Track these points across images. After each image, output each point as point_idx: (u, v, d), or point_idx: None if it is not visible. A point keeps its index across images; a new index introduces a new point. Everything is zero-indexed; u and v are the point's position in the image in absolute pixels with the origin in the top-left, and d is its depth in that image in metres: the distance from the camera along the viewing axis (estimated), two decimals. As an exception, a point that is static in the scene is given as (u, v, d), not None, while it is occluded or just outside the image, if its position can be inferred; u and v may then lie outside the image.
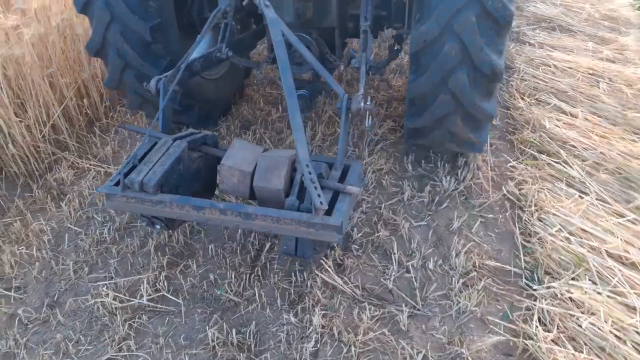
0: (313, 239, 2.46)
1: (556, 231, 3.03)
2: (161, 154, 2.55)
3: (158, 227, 2.73)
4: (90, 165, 3.83)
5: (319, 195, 2.25)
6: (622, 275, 2.72)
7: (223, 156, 2.60)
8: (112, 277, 2.89)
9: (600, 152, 3.68)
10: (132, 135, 4.19)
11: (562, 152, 3.71)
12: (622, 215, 3.15)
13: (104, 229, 3.22)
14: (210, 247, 3.04)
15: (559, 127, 4.00)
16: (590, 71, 4.77)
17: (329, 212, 2.31)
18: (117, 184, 2.49)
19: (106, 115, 4.44)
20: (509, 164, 3.73)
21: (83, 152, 4.03)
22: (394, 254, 2.98)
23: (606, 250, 2.88)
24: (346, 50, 3.95)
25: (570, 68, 4.81)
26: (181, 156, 2.57)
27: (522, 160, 3.77)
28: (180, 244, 3.11)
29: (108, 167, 3.82)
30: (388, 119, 4.31)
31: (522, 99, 4.47)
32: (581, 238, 2.98)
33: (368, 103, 2.73)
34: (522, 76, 4.81)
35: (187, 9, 3.93)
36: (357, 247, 3.05)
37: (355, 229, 3.16)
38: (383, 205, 3.36)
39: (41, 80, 3.81)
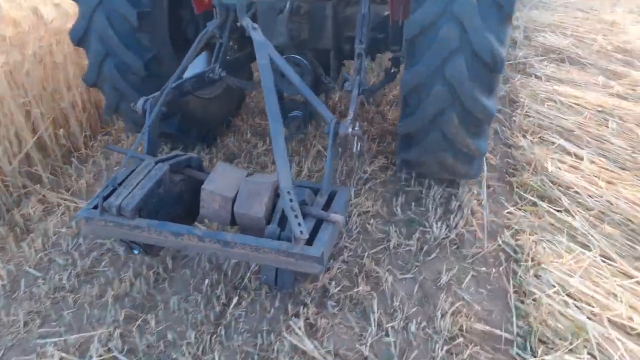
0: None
1: (554, 292, 2.74)
2: (142, 176, 2.50)
3: (136, 252, 2.67)
4: (61, 200, 3.63)
5: (299, 224, 2.18)
6: (625, 349, 2.42)
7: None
8: (62, 334, 2.64)
9: (607, 200, 3.38)
10: (110, 167, 4.00)
11: (564, 199, 3.43)
12: (627, 276, 2.85)
13: (63, 275, 2.99)
14: (173, 300, 2.79)
15: (562, 170, 3.72)
16: (599, 108, 4.49)
17: (310, 241, 2.22)
18: (96, 207, 2.42)
19: (86, 145, 4.26)
20: (506, 210, 3.45)
21: (57, 185, 3.83)
22: (374, 313, 2.71)
23: (608, 318, 2.58)
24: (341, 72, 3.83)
25: (577, 104, 4.54)
26: (162, 179, 2.52)
27: (521, 206, 3.49)
28: (142, 294, 2.87)
29: (80, 202, 3.61)
30: (380, 156, 4.07)
31: (525, 137, 4.20)
32: (581, 301, 2.69)
33: (357, 128, 2.66)
34: (526, 112, 4.54)
35: (183, 29, 3.85)
36: (334, 303, 2.78)
37: (334, 282, 2.89)
38: (366, 254, 3.10)
39: (14, 110, 3.63)
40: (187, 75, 3.23)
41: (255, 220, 2.38)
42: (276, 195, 2.42)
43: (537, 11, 6.92)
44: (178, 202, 2.67)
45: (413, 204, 3.55)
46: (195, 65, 3.88)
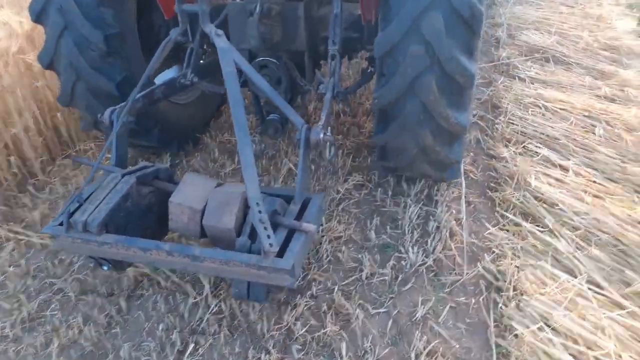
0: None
1: (537, 328, 2.52)
2: (108, 190, 2.47)
3: (105, 268, 2.62)
4: (12, 234, 3.38)
5: (268, 236, 2.13)
6: (614, 393, 2.22)
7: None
8: (-1, 393, 2.43)
9: (594, 218, 3.16)
10: (68, 195, 3.74)
11: (549, 217, 3.21)
12: (616, 305, 2.63)
13: (7, 322, 2.75)
14: (124, 348, 2.56)
15: (546, 184, 3.49)
16: (586, 112, 4.26)
17: (283, 253, 2.19)
18: (62, 223, 2.38)
19: (43, 171, 4.00)
20: (487, 231, 3.23)
21: (10, 217, 3.58)
22: (342, 357, 2.49)
23: (596, 357, 2.37)
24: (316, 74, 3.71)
25: (563, 109, 4.30)
26: (129, 193, 2.49)
27: (503, 226, 3.27)
28: (92, 341, 2.63)
29: (33, 235, 3.36)
30: (355, 173, 3.83)
31: (507, 146, 3.97)
32: (566, 338, 2.47)
33: (328, 134, 2.63)
34: (508, 118, 4.30)
35: (155, 34, 3.72)
36: (299, 347, 2.56)
37: (300, 322, 2.66)
38: (337, 286, 2.88)
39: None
40: (159, 81, 3.14)
41: (225, 232, 2.34)
42: (247, 205, 2.34)
43: (520, 7, 6.65)
44: (148, 215, 2.63)
45: (388, 226, 3.33)
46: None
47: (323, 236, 3.22)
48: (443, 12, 2.53)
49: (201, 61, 3.67)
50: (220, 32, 2.65)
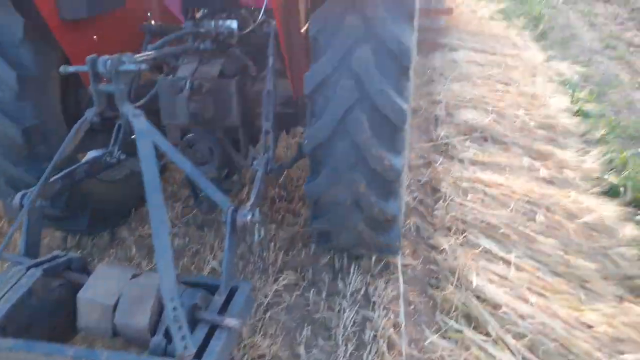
0: None
1: None
2: (9, 286, 2.23)
3: None
4: None
5: (183, 337, 1.94)
6: None
7: None
8: None
9: (540, 322, 2.93)
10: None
11: (492, 322, 2.95)
12: None
13: None
14: None
15: (488, 282, 3.26)
16: (526, 197, 4.14)
17: (201, 353, 1.98)
18: None
19: None
20: (427, 341, 2.93)
21: None
22: None
23: None
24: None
25: (502, 194, 4.17)
26: (34, 288, 2.25)
27: (445, 332, 2.98)
28: None
29: None
30: (287, 270, 3.50)
31: (447, 236, 3.76)
32: None
33: (257, 215, 2.48)
34: (447, 204, 4.13)
35: (78, 105, 3.51)
36: None
37: None
38: None
39: None
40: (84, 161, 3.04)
41: (139, 332, 2.15)
42: None
43: (458, 84, 6.71)
44: (57, 311, 2.37)
45: (320, 337, 2.99)
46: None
47: (245, 355, 2.82)
48: (372, 46, 2.60)
49: (132, 137, 3.44)
50: (139, 111, 2.48)
